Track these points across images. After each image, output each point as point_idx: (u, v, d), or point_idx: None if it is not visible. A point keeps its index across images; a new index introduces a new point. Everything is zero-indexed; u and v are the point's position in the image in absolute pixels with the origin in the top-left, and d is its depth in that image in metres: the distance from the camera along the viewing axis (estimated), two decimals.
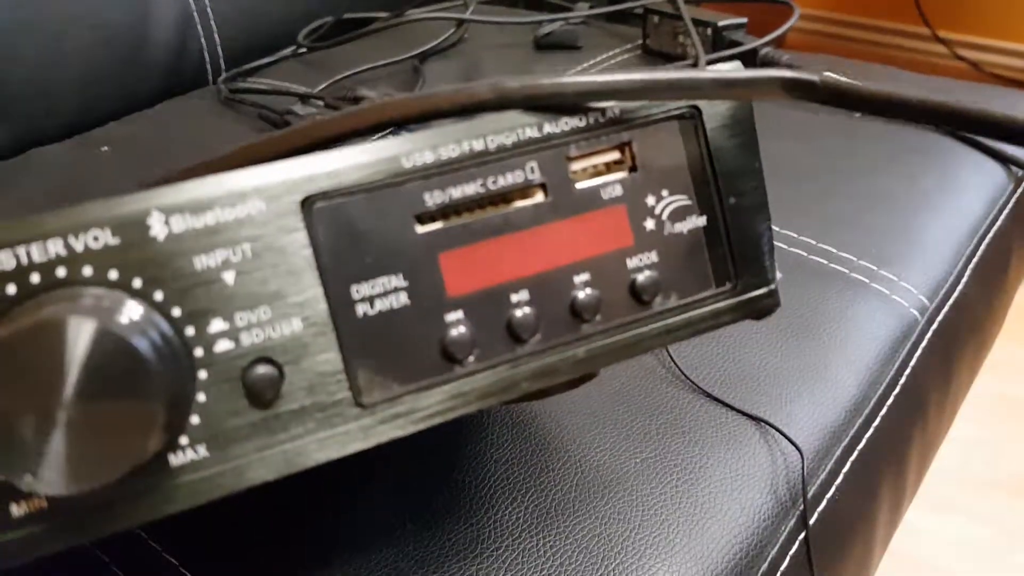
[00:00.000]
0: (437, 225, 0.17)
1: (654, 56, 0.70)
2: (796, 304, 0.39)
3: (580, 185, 0.18)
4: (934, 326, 0.41)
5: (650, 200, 0.18)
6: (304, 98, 0.62)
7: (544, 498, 0.30)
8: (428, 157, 0.16)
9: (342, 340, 0.16)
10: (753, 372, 0.35)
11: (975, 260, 0.47)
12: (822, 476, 0.33)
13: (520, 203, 0.17)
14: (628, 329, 0.18)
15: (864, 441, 0.35)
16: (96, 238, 0.14)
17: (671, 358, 0.35)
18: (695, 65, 0.63)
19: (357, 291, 0.16)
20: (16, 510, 0.13)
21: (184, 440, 0.15)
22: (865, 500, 0.36)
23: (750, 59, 0.63)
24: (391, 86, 0.64)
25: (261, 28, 0.75)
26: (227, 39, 0.72)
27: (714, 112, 0.19)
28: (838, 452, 0.34)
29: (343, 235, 0.16)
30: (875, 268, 0.41)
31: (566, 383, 0.20)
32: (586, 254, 0.18)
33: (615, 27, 0.79)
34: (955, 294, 0.44)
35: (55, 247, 0.14)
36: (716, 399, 0.34)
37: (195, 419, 0.15)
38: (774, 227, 0.42)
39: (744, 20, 0.66)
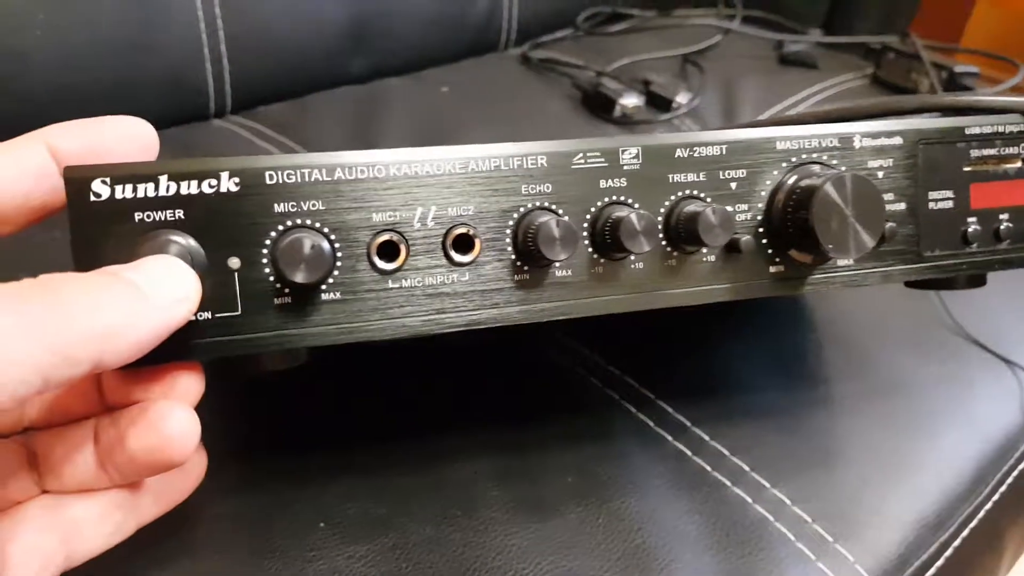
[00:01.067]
0: (973, 168, 0.30)
1: (882, 86, 0.82)
2: None
3: None
4: None
5: None
6: (600, 74, 0.76)
7: (862, 384, 0.43)
8: (976, 130, 0.30)
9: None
10: (1001, 325, 0.48)
11: None
12: None
13: (1010, 165, 0.31)
14: None
15: None
16: None
17: (944, 307, 0.48)
18: None
19: (932, 196, 0.30)
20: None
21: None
22: None
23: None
24: (669, 76, 0.78)
25: (547, 10, 0.90)
26: (522, 15, 0.87)
27: None
28: None
29: (931, 164, 0.30)
30: None
31: (971, 279, 0.33)
32: None
33: (843, 54, 0.91)
34: None
35: None
36: (973, 339, 0.47)
37: None
38: None
39: (977, 69, 0.77)
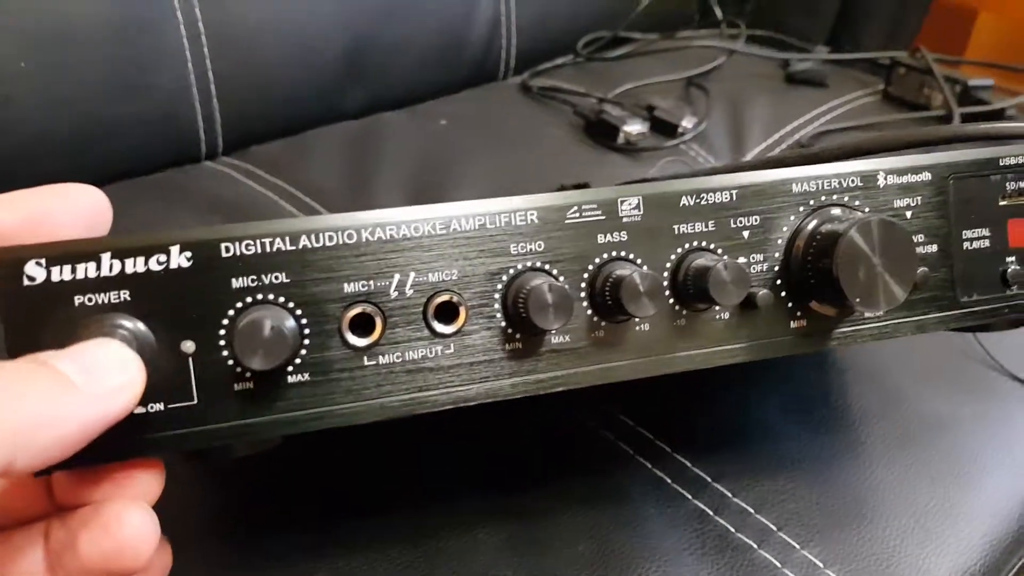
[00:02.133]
0: (1009, 201, 0.27)
1: (894, 102, 0.80)
2: None
3: None
4: None
5: None
6: (601, 100, 0.74)
7: (895, 425, 0.40)
8: (1012, 161, 0.27)
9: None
10: None
11: None
12: None
13: None
14: None
15: None
16: None
17: (978, 341, 0.45)
18: (947, 116, 0.72)
19: (967, 235, 0.27)
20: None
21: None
22: None
23: (997, 118, 0.72)
24: (674, 100, 0.75)
25: (546, 37, 0.88)
26: (521, 44, 0.86)
27: None
28: None
29: (964, 200, 0.27)
30: None
31: (1011, 322, 0.30)
32: None
33: (853, 71, 0.88)
34: None
35: None
36: (1010, 373, 0.44)
37: None
38: None
39: (991, 82, 0.74)
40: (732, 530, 0.35)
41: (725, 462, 0.38)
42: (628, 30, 0.91)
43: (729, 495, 0.37)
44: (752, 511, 0.36)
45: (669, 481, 0.37)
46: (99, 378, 0.19)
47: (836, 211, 0.26)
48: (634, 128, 0.68)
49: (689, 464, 0.38)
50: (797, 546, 0.35)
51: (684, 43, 0.86)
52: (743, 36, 0.86)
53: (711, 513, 0.36)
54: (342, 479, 0.35)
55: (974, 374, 0.44)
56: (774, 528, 0.35)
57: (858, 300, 0.24)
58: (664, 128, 0.71)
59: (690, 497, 0.36)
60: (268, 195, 0.58)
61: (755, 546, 0.34)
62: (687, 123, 0.71)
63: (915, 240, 0.26)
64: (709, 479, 0.37)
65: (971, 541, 0.37)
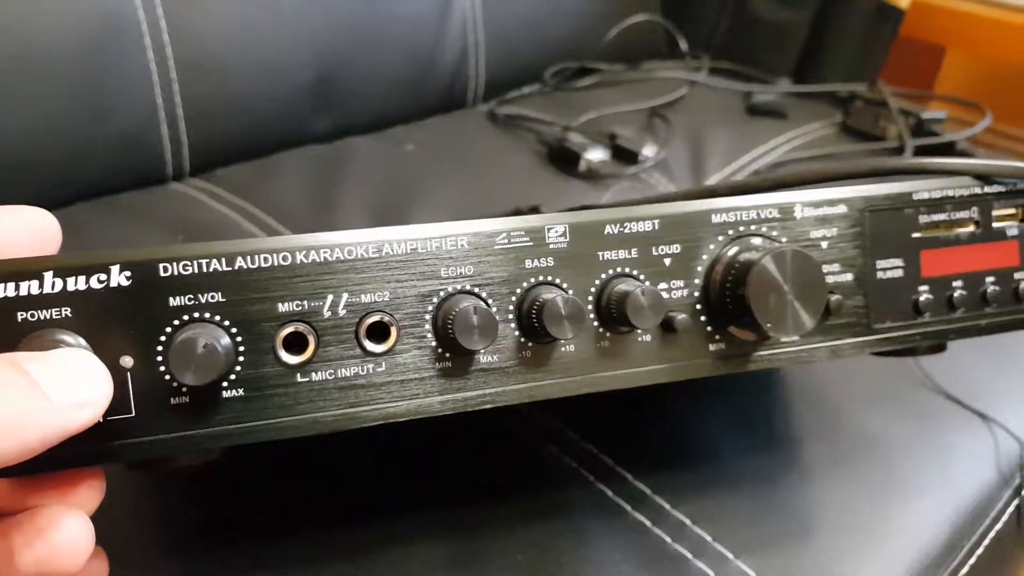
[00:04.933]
0: (922, 234, 0.29)
1: (851, 134, 0.82)
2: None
3: (995, 225, 0.30)
4: None
5: None
6: (566, 129, 0.76)
7: (834, 444, 0.42)
8: (925, 195, 0.29)
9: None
10: (972, 380, 0.47)
11: None
12: None
13: (962, 229, 0.30)
14: (1010, 315, 0.30)
15: None
16: None
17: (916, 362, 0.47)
18: (900, 148, 0.74)
19: (880, 265, 0.29)
20: None
21: None
22: None
23: (948, 150, 0.75)
24: (636, 129, 0.78)
25: (515, 65, 0.90)
26: (490, 72, 0.87)
27: None
28: None
29: (879, 232, 0.28)
30: None
31: (931, 347, 0.32)
32: (993, 265, 0.30)
33: (812, 103, 0.91)
34: None
35: None
36: (946, 393, 0.45)
37: None
38: None
39: (944, 114, 0.77)
40: (668, 541, 0.36)
41: (666, 476, 0.39)
42: (595, 60, 0.93)
43: (668, 508, 0.38)
44: (689, 523, 0.37)
45: (610, 494, 0.38)
46: (70, 391, 0.19)
47: (755, 241, 0.27)
48: (595, 156, 0.70)
49: (631, 478, 0.39)
50: (731, 556, 0.36)
51: (648, 74, 0.89)
52: (705, 68, 0.88)
53: (649, 524, 0.37)
54: (284, 492, 0.36)
55: (912, 394, 0.46)
56: (709, 539, 0.36)
57: (769, 326, 0.25)
58: (625, 156, 0.73)
59: (630, 509, 0.37)
60: (233, 216, 0.59)
61: (690, 556, 0.36)
62: (648, 151, 0.73)
63: (831, 269, 0.28)
64: (649, 492, 0.38)
65: (902, 556, 0.38)
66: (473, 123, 0.80)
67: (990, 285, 0.30)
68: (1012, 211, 0.30)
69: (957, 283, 0.30)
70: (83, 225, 0.57)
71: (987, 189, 0.30)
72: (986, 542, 0.41)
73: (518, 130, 0.78)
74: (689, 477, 0.39)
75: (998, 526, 0.41)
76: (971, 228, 0.30)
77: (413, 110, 0.83)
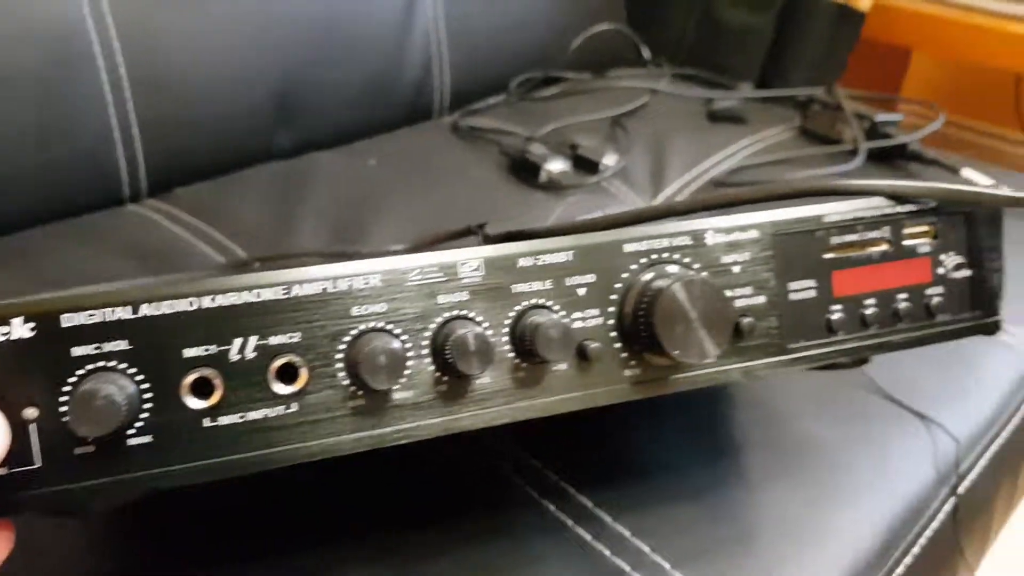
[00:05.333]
0: (834, 255, 0.30)
1: (809, 137, 0.83)
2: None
3: (906, 243, 0.31)
4: None
5: (944, 257, 0.31)
6: (528, 139, 0.76)
7: (777, 451, 0.42)
8: (836, 217, 0.30)
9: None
10: (915, 382, 0.48)
11: None
12: (969, 461, 0.45)
13: (874, 248, 0.30)
14: (923, 330, 0.31)
15: (996, 447, 0.47)
16: None
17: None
18: (855, 151, 0.75)
19: (792, 287, 0.29)
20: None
21: None
22: (991, 490, 0.48)
23: (900, 152, 0.76)
24: (598, 138, 0.78)
25: (481, 76, 0.90)
26: (455, 83, 0.88)
27: (982, 210, 0.32)
28: (981, 445, 0.46)
29: (790, 255, 0.29)
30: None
31: (855, 360, 0.33)
32: (905, 283, 0.31)
33: (772, 107, 0.92)
34: None
35: None
36: (890, 397, 0.46)
37: None
38: None
39: (900, 117, 0.78)
40: (608, 554, 0.37)
41: (609, 490, 0.40)
42: (562, 69, 0.94)
43: (609, 521, 0.38)
44: (629, 536, 0.38)
45: (553, 509, 0.39)
46: None
47: (668, 268, 0.28)
48: (556, 166, 0.71)
49: (574, 492, 0.40)
50: (668, 567, 0.36)
51: (611, 83, 0.89)
52: (667, 76, 0.89)
53: (590, 539, 0.37)
54: (218, 515, 0.36)
55: (856, 398, 0.47)
56: (648, 551, 0.37)
57: (676, 352, 0.26)
58: (586, 166, 0.73)
59: (571, 524, 0.38)
60: (188, 238, 0.59)
61: (628, 569, 0.36)
62: (608, 160, 0.73)
63: (743, 292, 0.29)
64: (591, 506, 0.39)
65: (839, 559, 0.39)
66: (436, 135, 0.81)
67: (902, 302, 0.31)
68: (924, 228, 0.31)
69: (870, 301, 0.30)
70: (39, 251, 0.57)
71: (899, 208, 0.31)
72: (922, 541, 0.41)
73: (481, 142, 0.78)
74: (631, 489, 0.40)
75: (934, 524, 0.42)
76: (883, 247, 0.31)
77: (378, 122, 0.83)
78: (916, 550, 0.41)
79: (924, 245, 0.31)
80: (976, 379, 0.50)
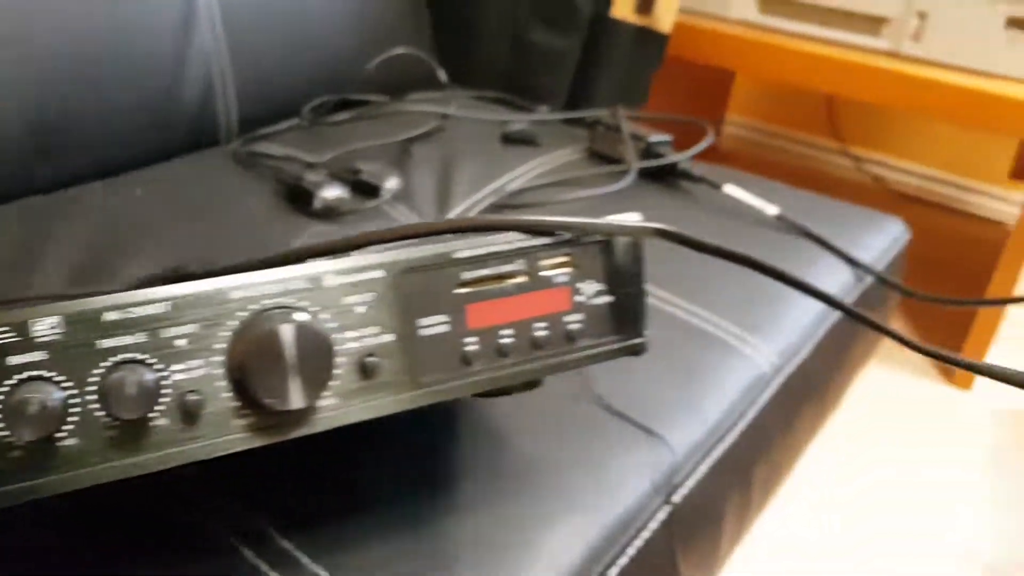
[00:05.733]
0: (467, 289, 0.31)
1: (597, 158, 0.87)
2: (685, 351, 0.54)
3: (543, 274, 0.32)
4: (781, 380, 0.57)
5: (582, 285, 0.33)
6: (311, 166, 0.75)
7: (493, 475, 0.43)
8: (467, 253, 0.31)
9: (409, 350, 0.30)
10: (646, 397, 0.50)
11: (822, 335, 0.63)
12: (686, 470, 0.48)
13: (510, 281, 0.32)
14: (565, 355, 0.32)
15: (718, 454, 0.50)
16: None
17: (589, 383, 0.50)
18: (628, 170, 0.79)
19: (423, 323, 0.30)
20: None
21: None
22: (716, 498, 0.50)
23: (672, 169, 0.80)
24: (384, 163, 0.78)
25: (271, 99, 0.89)
26: (243, 107, 0.86)
27: (619, 240, 0.33)
28: (698, 457, 0.49)
29: (420, 293, 0.30)
30: (741, 333, 0.57)
31: (524, 384, 0.34)
32: (544, 312, 0.32)
33: (568, 129, 0.96)
34: (802, 359, 0.60)
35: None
36: (618, 412, 0.48)
37: None
38: (680, 300, 0.58)
39: (670, 137, 0.83)
40: None
41: (314, 530, 0.39)
42: (360, 92, 0.93)
43: (306, 561, 0.38)
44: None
45: (250, 556, 0.38)
46: None
47: (277, 313, 0.27)
48: (332, 193, 0.70)
49: (277, 536, 0.39)
50: None
51: (406, 107, 0.90)
52: (463, 99, 0.90)
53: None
54: None
55: (582, 414, 0.48)
56: None
57: (270, 401, 0.26)
58: (368, 190, 0.73)
59: (266, 569, 0.37)
60: None
61: None
62: (391, 184, 0.74)
63: (368, 332, 0.29)
64: (291, 548, 0.38)
65: None
66: (217, 162, 0.78)
67: (541, 331, 0.32)
68: (562, 259, 0.33)
69: (506, 332, 0.31)
70: None
71: (534, 241, 0.32)
72: (631, 551, 0.43)
73: (260, 169, 0.77)
74: (337, 528, 0.39)
75: (645, 533, 0.44)
76: (520, 279, 0.32)
77: (156, 152, 0.80)
78: (624, 560, 0.43)
79: (562, 275, 0.33)
80: (706, 389, 0.53)
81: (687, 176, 0.80)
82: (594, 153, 0.87)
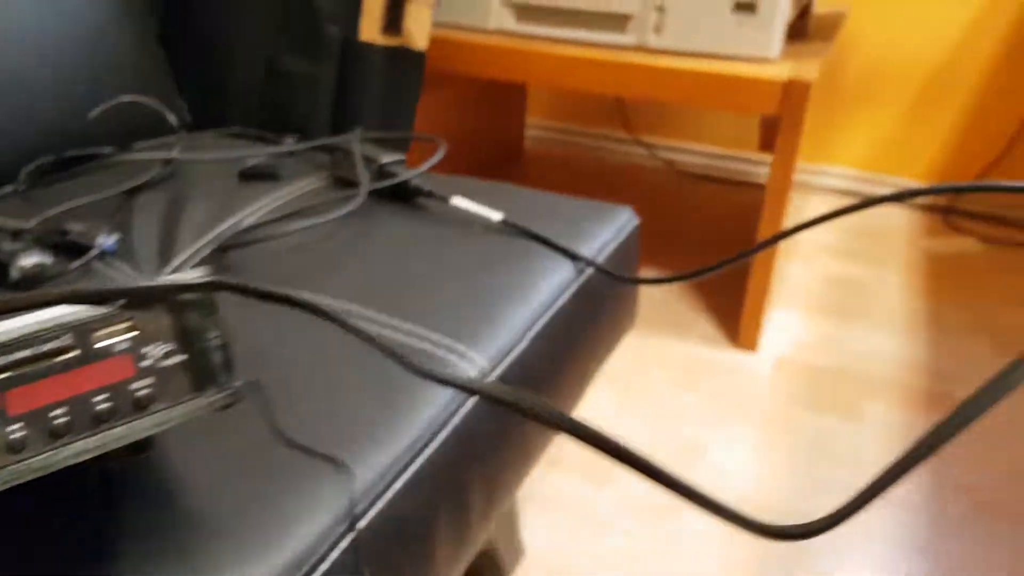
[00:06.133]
0: (6, 374, 0.30)
1: (340, 184, 0.87)
2: (383, 369, 0.55)
3: (99, 345, 0.32)
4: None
5: (147, 349, 0.33)
6: (15, 233, 0.71)
7: (150, 540, 0.43)
8: (25, 331, 0.30)
9: None
10: (336, 425, 0.51)
11: (538, 332, 0.66)
12: (374, 493, 0.49)
13: (59, 357, 0.31)
14: (133, 423, 0.32)
15: (411, 474, 0.51)
16: None
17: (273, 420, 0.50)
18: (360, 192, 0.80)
19: None
20: None
21: None
22: (417, 515, 0.52)
23: (404, 187, 0.82)
24: (98, 219, 0.75)
25: None
26: None
27: (185, 297, 0.34)
28: (388, 479, 0.50)
29: None
30: (451, 343, 0.59)
31: (127, 450, 0.34)
32: (102, 383, 0.32)
33: (316, 157, 0.95)
34: (516, 357, 0.63)
35: None
36: (301, 446, 0.49)
37: None
38: (383, 316, 0.59)
39: (402, 157, 0.84)
40: None
41: None
42: (86, 146, 0.89)
43: None
44: None
45: None
46: None
47: None
48: (29, 261, 0.67)
49: None
50: None
51: (132, 156, 0.87)
52: (179, 144, 0.88)
53: None
54: None
55: (265, 453, 0.48)
56: None
57: None
58: (80, 251, 0.70)
59: None
60: None
61: None
62: (103, 240, 0.71)
63: None
64: None
65: None
66: None
67: (103, 403, 0.32)
68: (123, 325, 0.33)
69: (60, 411, 0.31)
70: None
71: (87, 313, 0.32)
72: None
73: None
74: None
75: (324, 565, 0.45)
76: (71, 354, 0.31)
77: None
78: None
79: (122, 343, 0.32)
80: (402, 406, 0.54)
81: (420, 192, 0.82)
82: (337, 179, 0.88)
